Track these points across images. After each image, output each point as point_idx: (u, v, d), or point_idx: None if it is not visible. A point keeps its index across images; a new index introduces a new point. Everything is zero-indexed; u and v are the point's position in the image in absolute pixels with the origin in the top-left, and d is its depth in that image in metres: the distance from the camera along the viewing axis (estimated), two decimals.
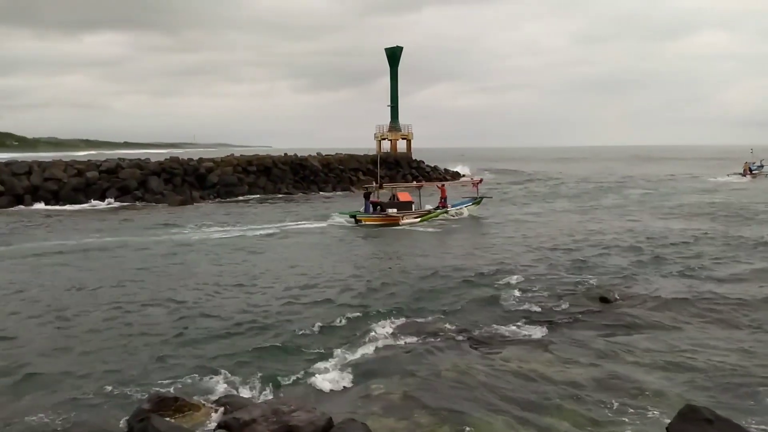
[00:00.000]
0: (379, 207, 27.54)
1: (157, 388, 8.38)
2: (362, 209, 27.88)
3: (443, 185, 30.83)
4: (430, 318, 12.13)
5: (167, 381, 8.84)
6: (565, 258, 18.22)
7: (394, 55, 62.34)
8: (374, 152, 62.38)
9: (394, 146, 62.77)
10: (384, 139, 63.80)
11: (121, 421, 7.47)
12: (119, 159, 44.12)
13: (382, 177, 54.08)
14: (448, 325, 11.61)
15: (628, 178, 60.38)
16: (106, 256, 19.38)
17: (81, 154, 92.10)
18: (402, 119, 63.88)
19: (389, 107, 63.62)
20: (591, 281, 15.04)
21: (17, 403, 8.23)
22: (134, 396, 8.34)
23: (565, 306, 12.86)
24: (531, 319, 12.05)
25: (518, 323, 11.78)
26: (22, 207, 33.95)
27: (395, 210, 27.12)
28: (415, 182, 31.28)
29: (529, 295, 13.81)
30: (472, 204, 30.63)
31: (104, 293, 14.28)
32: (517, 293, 13.90)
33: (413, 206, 28.09)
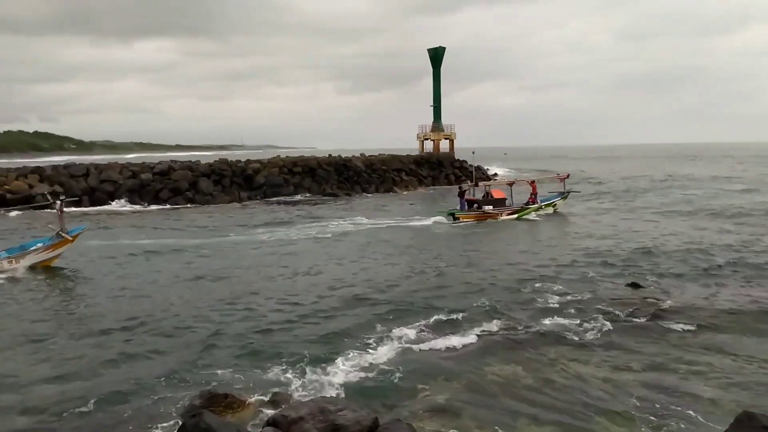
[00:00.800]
0: (475, 204, 28.65)
1: (210, 384, 8.63)
2: (458, 207, 28.92)
3: (534, 181, 31.47)
4: (476, 317, 12.05)
5: (218, 377, 9.08)
6: (613, 260, 17.78)
7: (436, 55, 62.17)
8: (417, 152, 62.40)
9: (437, 146, 62.62)
10: (427, 139, 63.70)
11: (174, 415, 7.75)
12: (171, 161, 45.56)
13: (425, 177, 54.37)
14: (494, 326, 11.52)
15: (676, 177, 58.31)
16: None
17: (133, 156, 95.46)
18: (444, 119, 63.72)
19: (432, 107, 63.51)
20: (640, 284, 14.64)
21: (71, 394, 8.61)
22: (186, 392, 8.56)
23: (612, 309, 12.55)
24: (577, 322, 11.80)
25: (564, 326, 11.58)
26: (81, 208, 35.44)
27: (491, 207, 28.27)
28: (506, 180, 32.48)
29: (577, 297, 13.54)
30: (560, 199, 31.13)
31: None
32: (564, 295, 13.66)
33: (506, 202, 29.06)
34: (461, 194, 29.30)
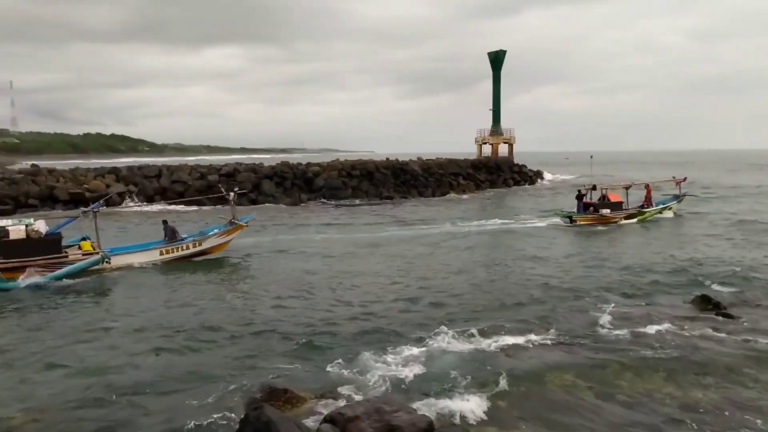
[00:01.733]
0: (592, 207, 28.95)
1: (269, 378, 8.93)
2: (575, 210, 29.30)
3: (648, 185, 31.39)
4: (543, 322, 11.96)
5: (278, 372, 9.37)
6: (692, 269, 17.05)
7: (497, 58, 61.59)
8: (475, 156, 61.93)
9: (495, 150, 61.97)
10: (485, 143, 63.15)
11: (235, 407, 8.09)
12: (236, 163, 47.21)
13: (482, 181, 53.81)
14: (558, 331, 11.36)
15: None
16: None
17: (200, 158, 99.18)
18: (504, 123, 63.08)
19: (491, 111, 62.92)
20: (714, 296, 13.93)
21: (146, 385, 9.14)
22: (248, 385, 8.86)
23: (684, 322, 12.05)
24: (648, 333, 11.38)
25: (632, 337, 11.19)
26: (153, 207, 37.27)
27: (608, 210, 28.39)
28: (622, 183, 32.55)
29: (650, 308, 13.11)
30: (676, 202, 31.00)
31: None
32: (637, 306, 13.26)
33: (622, 206, 29.05)
34: (579, 197, 29.62)
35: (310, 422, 7.57)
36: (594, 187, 30.19)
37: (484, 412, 8.07)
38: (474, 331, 11.28)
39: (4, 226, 16.42)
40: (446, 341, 10.78)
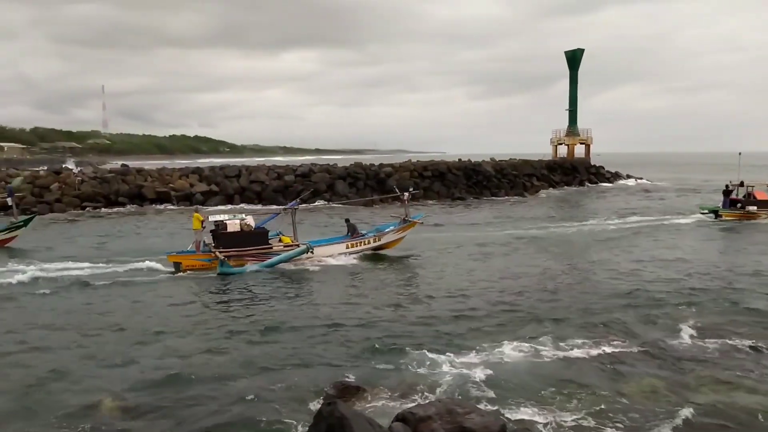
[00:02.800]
0: (738, 204, 29.97)
1: (343, 376, 9.14)
2: (721, 205, 30.41)
3: None
4: (627, 326, 11.61)
5: (352, 369, 9.55)
6: None
7: (574, 58, 59.79)
8: (549, 157, 60.35)
9: (571, 151, 60.17)
10: (561, 143, 61.45)
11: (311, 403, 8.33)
12: (311, 164, 48.44)
13: (557, 183, 52.32)
14: (637, 339, 10.91)
15: None
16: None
17: (278, 160, 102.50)
18: (580, 123, 61.05)
19: (567, 111, 61.13)
20: None
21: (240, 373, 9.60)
22: (322, 382, 9.09)
23: None
24: (733, 343, 10.77)
25: (716, 346, 10.62)
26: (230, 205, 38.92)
27: (755, 207, 29.28)
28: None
29: (740, 318, 12.38)
30: None
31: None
32: (724, 316, 12.58)
33: None
34: (726, 193, 30.37)
35: (381, 420, 7.66)
36: (741, 184, 30.46)
37: (559, 418, 7.88)
38: (555, 334, 11.06)
39: (222, 221, 18.62)
40: (527, 346, 10.60)
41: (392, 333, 11.50)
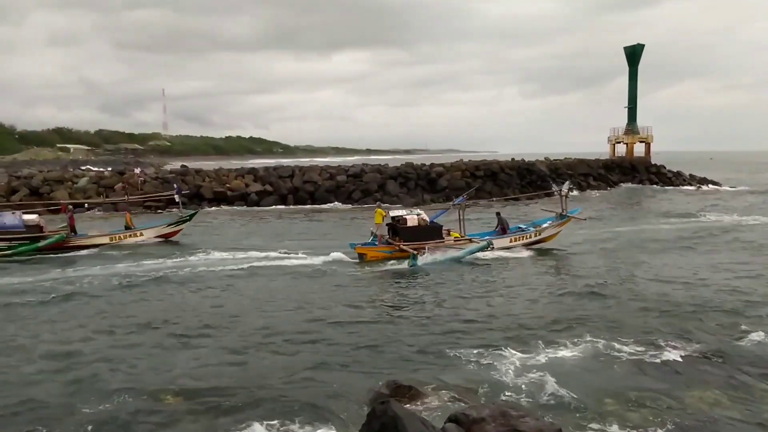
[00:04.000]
0: None
1: (395, 375, 9.16)
2: None
3: None
4: (688, 333, 11.22)
5: (404, 368, 9.60)
6: None
7: (634, 53, 57.82)
8: (607, 156, 58.60)
9: (630, 150, 58.22)
10: (619, 142, 59.56)
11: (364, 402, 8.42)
12: (363, 164, 48.82)
13: (615, 183, 50.76)
14: (705, 346, 10.52)
15: None
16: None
17: (330, 160, 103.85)
18: (640, 121, 59.03)
19: (626, 108, 59.22)
20: None
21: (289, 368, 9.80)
22: (376, 380, 9.17)
23: None
24: None
25: None
26: (282, 207, 39.63)
27: None
28: None
29: None
30: None
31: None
32: None
33: None
34: None
35: (434, 420, 7.66)
36: None
37: (615, 424, 7.70)
38: (618, 339, 10.79)
39: (402, 215, 20.16)
40: (587, 348, 10.41)
41: (450, 331, 11.48)
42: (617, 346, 10.51)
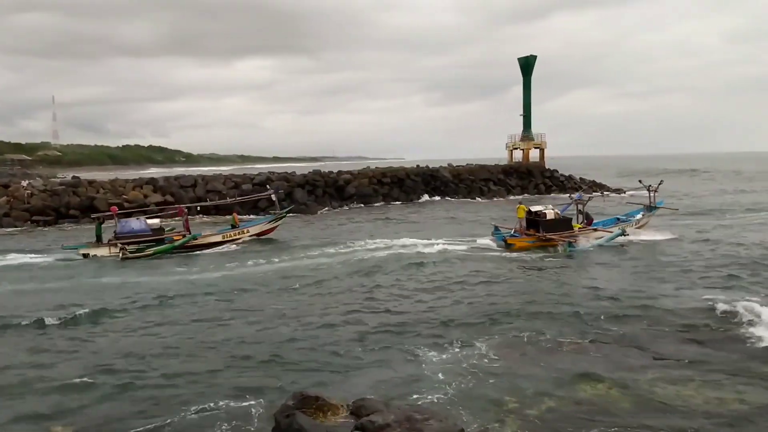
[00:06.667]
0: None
1: (301, 386, 9.06)
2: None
3: None
4: (585, 329, 11.69)
5: (311, 379, 9.51)
6: None
7: (527, 64, 61.07)
8: (505, 162, 61.43)
9: (526, 156, 61.36)
10: (516, 148, 62.60)
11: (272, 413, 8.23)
12: (269, 172, 47.86)
13: (513, 187, 53.45)
14: (601, 341, 11.15)
15: None
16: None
17: (234, 168, 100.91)
18: (536, 128, 62.38)
19: (522, 117, 62.36)
20: None
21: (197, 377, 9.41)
22: (283, 392, 9.03)
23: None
24: (682, 341, 11.14)
25: (671, 346, 10.90)
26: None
27: None
28: None
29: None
30: None
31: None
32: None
33: None
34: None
35: (341, 430, 7.62)
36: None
37: (514, 420, 7.99)
38: (509, 337, 11.18)
39: (542, 210, 22.96)
40: (482, 349, 10.67)
41: (357, 339, 11.46)
42: (529, 342, 10.93)
